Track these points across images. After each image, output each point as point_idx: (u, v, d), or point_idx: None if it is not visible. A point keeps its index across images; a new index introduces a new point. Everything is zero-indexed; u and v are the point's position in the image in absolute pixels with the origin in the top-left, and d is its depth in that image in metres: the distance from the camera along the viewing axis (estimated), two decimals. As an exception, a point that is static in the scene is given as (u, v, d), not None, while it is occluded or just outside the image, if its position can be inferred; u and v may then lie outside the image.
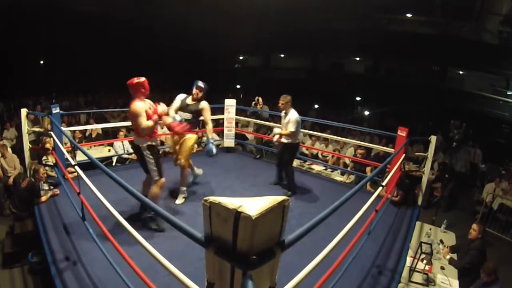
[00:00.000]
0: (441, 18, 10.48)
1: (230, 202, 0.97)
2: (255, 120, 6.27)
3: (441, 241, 3.57)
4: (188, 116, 3.73)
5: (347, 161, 6.78)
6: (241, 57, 18.94)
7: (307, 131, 7.26)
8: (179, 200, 3.86)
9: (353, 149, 6.81)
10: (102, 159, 5.62)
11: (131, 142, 3.53)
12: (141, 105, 2.97)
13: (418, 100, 11.25)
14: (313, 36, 13.59)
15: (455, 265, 3.18)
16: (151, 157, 3.08)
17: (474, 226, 3.42)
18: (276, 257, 1.03)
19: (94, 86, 13.15)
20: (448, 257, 3.28)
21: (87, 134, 7.18)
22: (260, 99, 6.20)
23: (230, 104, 6.03)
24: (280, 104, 4.18)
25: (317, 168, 6.03)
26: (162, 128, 4.33)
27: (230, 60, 18.40)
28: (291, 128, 4.04)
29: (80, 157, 4.37)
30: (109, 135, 7.51)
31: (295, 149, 4.33)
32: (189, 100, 3.79)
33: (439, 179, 6.24)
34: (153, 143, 3.11)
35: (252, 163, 5.93)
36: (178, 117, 3.55)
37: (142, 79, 2.99)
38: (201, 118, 3.84)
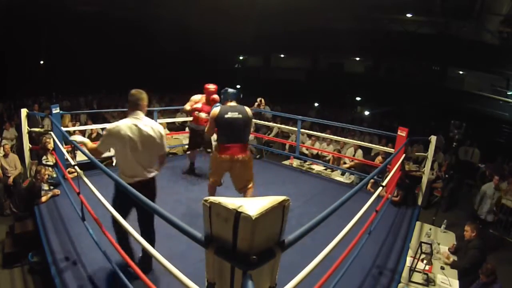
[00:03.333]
0: (441, 18, 10.46)
1: (230, 202, 0.97)
2: (256, 121, 6.31)
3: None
4: None
5: (347, 161, 6.79)
6: (241, 57, 18.93)
7: (307, 131, 7.28)
8: None
9: (353, 149, 6.82)
10: (102, 159, 5.61)
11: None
12: (194, 97, 4.35)
13: (418, 100, 11.25)
14: (313, 36, 13.57)
15: (457, 266, 3.17)
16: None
17: (466, 226, 3.43)
18: (276, 257, 1.03)
19: (94, 86, 13.14)
20: (451, 259, 3.27)
21: (86, 135, 7.17)
22: (263, 100, 6.27)
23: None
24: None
25: (317, 168, 6.03)
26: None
27: (230, 60, 18.38)
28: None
29: (80, 157, 4.37)
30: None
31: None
32: None
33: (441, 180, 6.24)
34: (192, 127, 4.58)
35: (252, 163, 5.94)
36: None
37: (209, 86, 4.27)
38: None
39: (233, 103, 3.07)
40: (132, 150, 2.26)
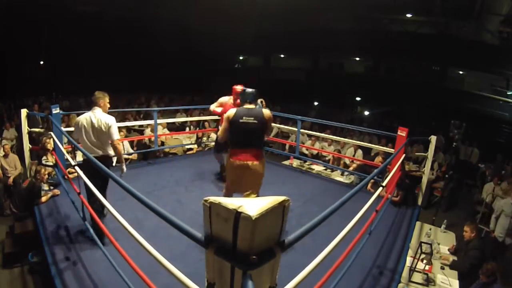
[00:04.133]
0: (441, 18, 10.46)
1: (230, 202, 0.96)
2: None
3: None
4: None
5: (348, 161, 6.79)
6: (241, 57, 18.92)
7: (307, 131, 7.28)
8: None
9: (353, 149, 6.82)
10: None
11: None
12: (222, 98, 4.37)
13: (418, 100, 11.25)
14: (313, 36, 13.56)
15: (458, 267, 3.16)
16: None
17: (465, 227, 3.41)
18: (276, 257, 1.03)
19: (94, 86, 13.13)
20: (451, 259, 3.26)
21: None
22: (263, 101, 6.26)
23: (230, 104, 6.03)
24: None
25: (317, 168, 6.03)
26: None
27: (230, 60, 18.37)
28: None
29: (80, 157, 4.37)
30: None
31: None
32: None
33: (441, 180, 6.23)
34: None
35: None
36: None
37: (236, 87, 4.08)
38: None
39: (250, 106, 2.94)
40: (86, 135, 3.01)
